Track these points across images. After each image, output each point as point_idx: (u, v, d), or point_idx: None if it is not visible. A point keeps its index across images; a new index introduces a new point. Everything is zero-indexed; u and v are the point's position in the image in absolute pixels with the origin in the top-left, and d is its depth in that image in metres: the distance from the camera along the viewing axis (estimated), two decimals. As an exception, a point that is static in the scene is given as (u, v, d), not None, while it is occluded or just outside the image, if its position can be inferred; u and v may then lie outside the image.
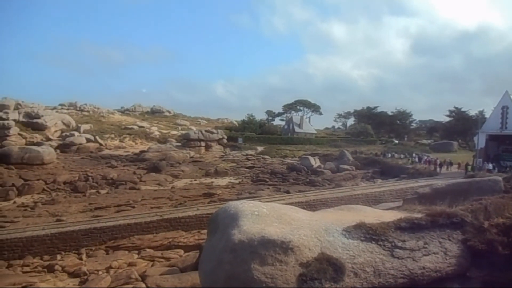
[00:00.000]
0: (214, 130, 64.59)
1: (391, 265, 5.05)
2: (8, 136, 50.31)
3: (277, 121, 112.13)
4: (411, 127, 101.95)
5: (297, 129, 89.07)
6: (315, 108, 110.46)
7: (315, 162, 45.11)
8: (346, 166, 42.76)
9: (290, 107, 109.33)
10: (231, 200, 23.88)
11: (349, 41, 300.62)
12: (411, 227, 5.71)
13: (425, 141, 77.51)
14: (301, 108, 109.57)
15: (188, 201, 26.79)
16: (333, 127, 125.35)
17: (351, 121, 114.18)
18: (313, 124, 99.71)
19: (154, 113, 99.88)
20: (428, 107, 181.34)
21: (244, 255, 4.55)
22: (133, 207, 24.94)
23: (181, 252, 16.97)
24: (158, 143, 61.25)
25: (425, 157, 42.00)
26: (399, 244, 5.33)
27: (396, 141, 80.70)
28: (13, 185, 30.57)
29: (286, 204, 7.00)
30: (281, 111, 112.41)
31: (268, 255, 4.56)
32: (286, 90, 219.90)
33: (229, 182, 36.85)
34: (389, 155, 47.76)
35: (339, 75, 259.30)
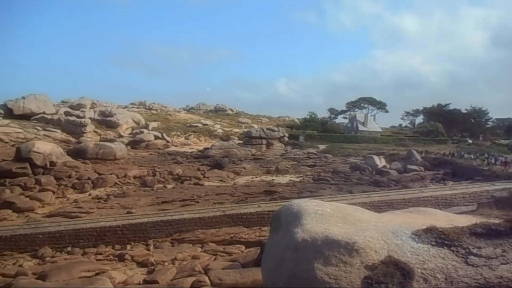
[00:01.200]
0: (275, 128, 64.77)
1: (464, 272, 4.69)
2: (84, 133, 54.44)
3: (340, 119, 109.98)
4: (487, 125, 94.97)
5: (361, 127, 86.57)
6: (380, 106, 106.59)
7: (380, 162, 43.57)
8: (413, 167, 40.81)
9: (354, 105, 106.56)
10: (292, 198, 23.77)
11: (421, 35, 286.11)
12: (487, 233, 5.26)
13: (502, 141, 71.64)
14: (366, 105, 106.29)
15: (249, 198, 27.11)
16: (400, 125, 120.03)
17: (419, 119, 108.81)
18: (378, 122, 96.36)
19: (218, 112, 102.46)
20: (508, 104, 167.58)
21: (307, 254, 4.48)
22: (197, 202, 25.72)
23: (243, 247, 17.20)
24: (221, 141, 62.73)
25: (501, 158, 38.86)
26: (474, 250, 4.94)
27: (470, 141, 75.49)
28: (89, 178, 32.88)
29: (349, 204, 6.80)
30: (344, 108, 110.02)
31: (332, 255, 4.45)
32: (350, 87, 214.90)
33: (290, 180, 36.76)
34: (459, 155, 44.89)
35: (409, 70, 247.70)
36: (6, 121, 52.34)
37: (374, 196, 23.71)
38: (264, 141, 60.20)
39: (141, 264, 15.73)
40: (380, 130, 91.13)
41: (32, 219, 22.54)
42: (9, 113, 55.51)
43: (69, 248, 17.99)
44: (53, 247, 17.93)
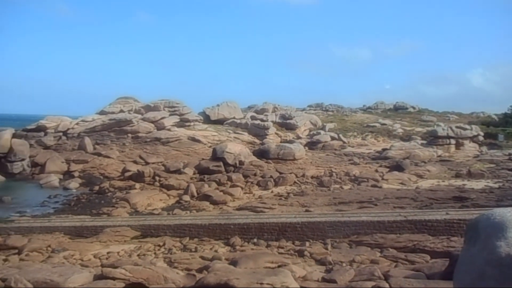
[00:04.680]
0: (467, 126, 57.41)
1: None
2: (267, 135, 59.18)
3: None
4: None
5: None
6: None
7: None
8: None
9: None
10: (488, 206, 20.63)
11: None
12: None
13: None
14: None
15: (435, 203, 24.61)
16: None
17: None
18: None
19: (397, 110, 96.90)
20: None
21: (515, 273, 3.71)
22: (375, 204, 24.73)
23: (427, 257, 15.71)
24: (401, 141, 59.13)
25: None
26: None
27: None
28: (271, 176, 35.34)
29: None
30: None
31: (551, 278, 3.58)
32: None
33: (485, 185, 31.88)
34: None
35: None
36: (205, 126, 61.17)
37: None
38: (453, 141, 53.96)
39: (319, 262, 15.98)
40: None
41: (225, 211, 25.46)
42: (207, 119, 64.74)
43: (255, 240, 19.61)
44: (242, 237, 19.83)
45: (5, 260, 17.63)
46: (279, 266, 13.42)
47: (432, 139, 54.62)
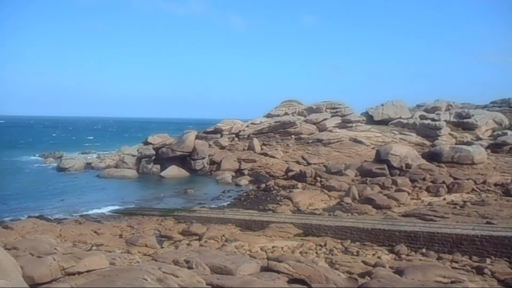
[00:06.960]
0: None
1: None
2: (439, 136, 53.73)
3: None
4: None
5: None
6: None
7: None
8: None
9: None
10: None
11: None
12: None
13: None
14: None
15: None
16: None
17: None
18: None
19: None
20: None
21: None
22: None
23: None
24: None
25: None
26: None
27: None
28: (443, 182, 32.06)
29: None
30: None
31: None
32: None
33: None
34: None
35: None
36: (368, 127, 59.21)
37: None
38: None
39: (503, 283, 13.87)
40: None
41: (389, 216, 24.16)
42: (370, 119, 62.53)
43: (423, 250, 18.14)
44: (408, 246, 18.57)
45: (188, 244, 20.45)
46: (452, 282, 11.99)
47: None
